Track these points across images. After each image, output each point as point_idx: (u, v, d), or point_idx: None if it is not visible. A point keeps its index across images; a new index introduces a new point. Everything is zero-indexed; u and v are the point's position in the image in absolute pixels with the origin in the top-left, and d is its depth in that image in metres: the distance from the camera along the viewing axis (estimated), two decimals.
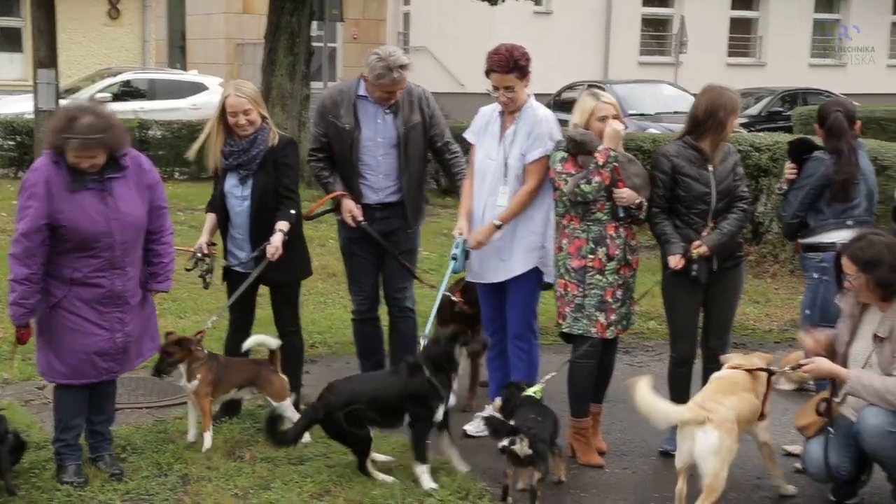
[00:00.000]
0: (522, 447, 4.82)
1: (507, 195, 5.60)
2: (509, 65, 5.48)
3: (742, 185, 5.58)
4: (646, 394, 4.77)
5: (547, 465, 4.92)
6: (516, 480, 4.99)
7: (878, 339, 4.81)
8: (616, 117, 5.44)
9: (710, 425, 4.65)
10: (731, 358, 5.23)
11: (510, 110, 5.63)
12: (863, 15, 29.56)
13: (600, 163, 5.28)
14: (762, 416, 5.04)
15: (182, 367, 5.48)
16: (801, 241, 5.91)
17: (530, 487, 4.85)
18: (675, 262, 5.38)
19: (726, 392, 4.88)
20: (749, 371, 5.03)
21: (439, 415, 5.18)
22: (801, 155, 5.86)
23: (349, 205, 5.95)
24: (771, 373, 5.08)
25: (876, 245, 4.77)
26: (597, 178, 5.28)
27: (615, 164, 5.32)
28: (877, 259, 4.74)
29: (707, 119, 5.43)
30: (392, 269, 6.11)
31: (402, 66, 5.76)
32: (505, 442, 4.85)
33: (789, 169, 5.90)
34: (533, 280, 5.71)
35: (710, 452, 4.62)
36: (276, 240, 5.61)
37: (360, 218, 5.93)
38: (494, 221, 5.56)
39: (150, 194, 5.03)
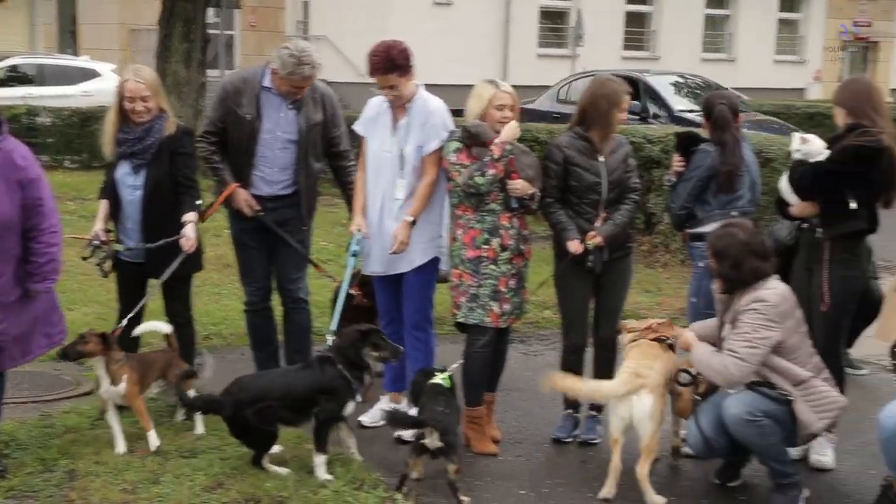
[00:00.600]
0: (433, 440, 4.84)
1: (404, 188, 5.60)
2: (387, 65, 5.47)
3: (633, 177, 5.68)
4: (571, 380, 5.17)
5: (460, 456, 4.93)
6: (412, 471, 5.00)
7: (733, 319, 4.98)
8: (513, 108, 5.49)
9: (644, 391, 4.92)
10: (628, 323, 5.51)
11: (400, 104, 5.62)
12: (751, 11, 30.39)
13: (496, 156, 5.32)
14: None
15: (101, 372, 5.29)
16: (688, 231, 6.07)
17: (449, 482, 4.84)
18: (575, 246, 5.46)
19: (650, 357, 5.10)
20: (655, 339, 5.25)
21: (349, 409, 5.17)
22: (688, 147, 6.01)
23: (243, 194, 5.87)
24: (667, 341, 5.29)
25: (729, 238, 4.94)
26: (491, 171, 5.32)
27: (510, 156, 5.37)
28: (724, 251, 4.91)
29: (591, 110, 5.53)
30: (285, 259, 6.04)
31: (314, 65, 5.70)
32: (407, 435, 4.85)
33: (677, 161, 6.05)
34: (430, 270, 5.73)
35: (646, 417, 4.90)
36: (190, 231, 5.55)
37: (258, 207, 5.86)
38: (407, 218, 5.55)
39: (24, 191, 4.78)
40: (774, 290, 4.85)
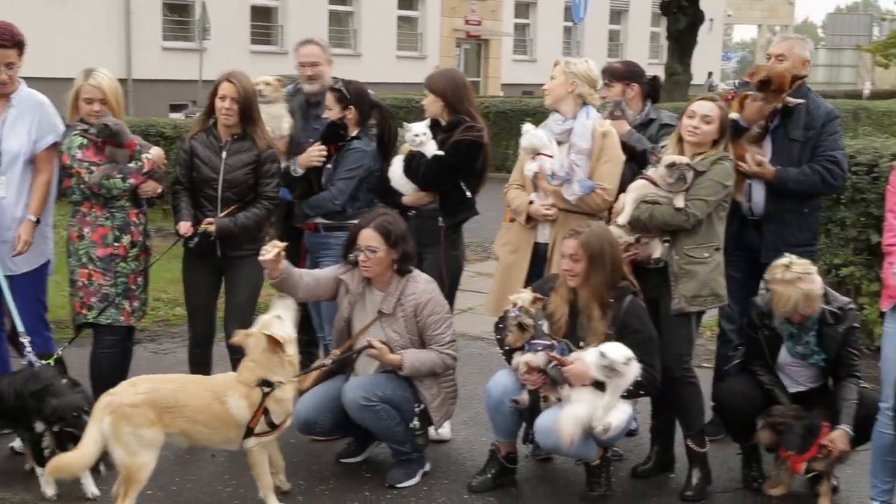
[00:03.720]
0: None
1: (4, 185, 5.34)
2: (13, 39, 5.26)
3: (268, 184, 5.65)
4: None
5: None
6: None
7: (382, 314, 5.23)
8: (105, 102, 5.37)
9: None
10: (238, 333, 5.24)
11: (6, 92, 5.35)
12: (373, 8, 31.50)
13: (146, 170, 5.39)
14: None
15: None
16: (325, 221, 5.90)
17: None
18: (185, 228, 5.52)
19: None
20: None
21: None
22: (336, 139, 5.88)
23: None
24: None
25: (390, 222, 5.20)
26: (132, 181, 5.35)
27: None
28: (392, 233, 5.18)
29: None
30: None
31: None
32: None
33: (319, 151, 5.87)
34: (42, 271, 5.55)
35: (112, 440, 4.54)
36: None
37: None
38: (31, 217, 5.33)
39: None
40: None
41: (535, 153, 5.39)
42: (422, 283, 5.25)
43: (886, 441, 4.69)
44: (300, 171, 5.88)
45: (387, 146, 5.97)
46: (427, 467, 5.33)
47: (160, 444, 4.57)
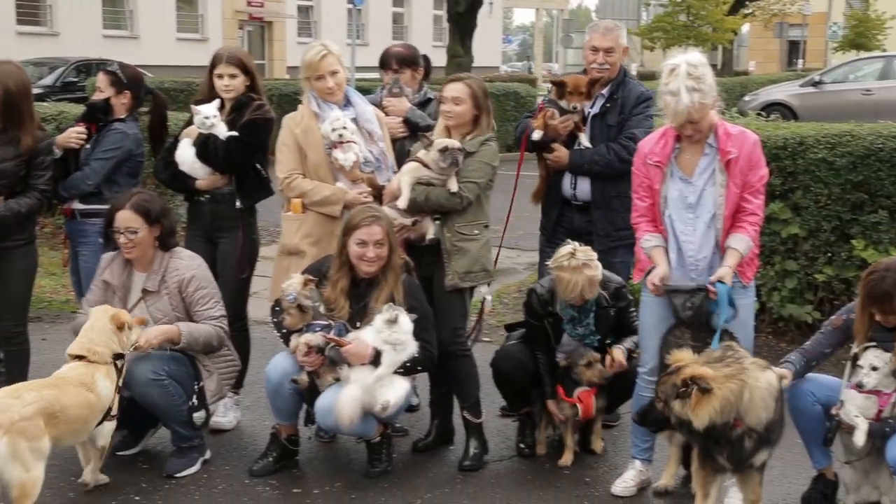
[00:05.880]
0: None
1: None
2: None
3: (45, 176, 5.41)
4: None
5: None
6: None
7: (147, 292, 5.15)
8: None
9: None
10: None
11: None
12: None
13: None
14: None
15: None
16: (81, 207, 5.77)
17: None
18: None
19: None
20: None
21: None
22: (96, 119, 5.75)
23: None
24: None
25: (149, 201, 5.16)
26: None
27: None
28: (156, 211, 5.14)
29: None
30: None
31: None
32: None
33: (78, 132, 5.69)
34: None
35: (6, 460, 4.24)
36: None
37: None
38: None
39: None
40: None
41: (343, 141, 5.32)
42: (185, 259, 5.20)
43: (645, 403, 5.00)
44: (59, 153, 5.68)
45: (159, 134, 5.90)
46: (207, 455, 5.27)
47: (48, 453, 4.39)
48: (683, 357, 4.37)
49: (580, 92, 5.59)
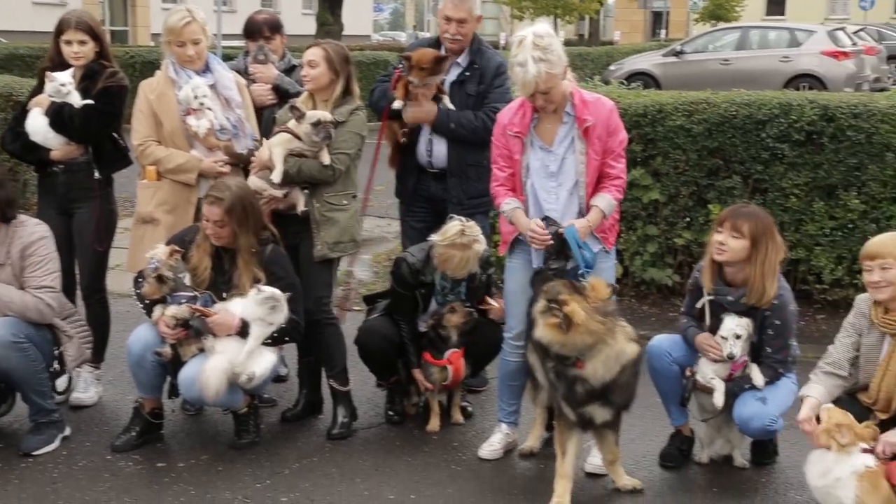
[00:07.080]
0: None
1: None
2: None
3: None
4: None
5: None
6: None
7: None
8: None
9: None
10: None
11: None
12: None
13: None
14: None
15: None
16: None
17: None
18: None
19: None
20: None
21: None
22: None
23: None
24: None
25: None
26: None
27: None
28: None
29: None
30: None
31: None
32: None
33: None
34: None
35: None
36: None
37: None
38: None
39: None
40: None
41: (196, 109, 5.22)
42: (30, 227, 5.04)
43: (511, 367, 5.09)
44: None
45: None
46: (67, 431, 5.14)
47: None
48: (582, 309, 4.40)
49: (422, 67, 5.56)
